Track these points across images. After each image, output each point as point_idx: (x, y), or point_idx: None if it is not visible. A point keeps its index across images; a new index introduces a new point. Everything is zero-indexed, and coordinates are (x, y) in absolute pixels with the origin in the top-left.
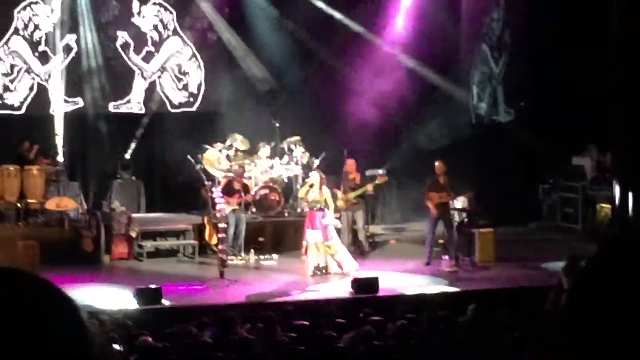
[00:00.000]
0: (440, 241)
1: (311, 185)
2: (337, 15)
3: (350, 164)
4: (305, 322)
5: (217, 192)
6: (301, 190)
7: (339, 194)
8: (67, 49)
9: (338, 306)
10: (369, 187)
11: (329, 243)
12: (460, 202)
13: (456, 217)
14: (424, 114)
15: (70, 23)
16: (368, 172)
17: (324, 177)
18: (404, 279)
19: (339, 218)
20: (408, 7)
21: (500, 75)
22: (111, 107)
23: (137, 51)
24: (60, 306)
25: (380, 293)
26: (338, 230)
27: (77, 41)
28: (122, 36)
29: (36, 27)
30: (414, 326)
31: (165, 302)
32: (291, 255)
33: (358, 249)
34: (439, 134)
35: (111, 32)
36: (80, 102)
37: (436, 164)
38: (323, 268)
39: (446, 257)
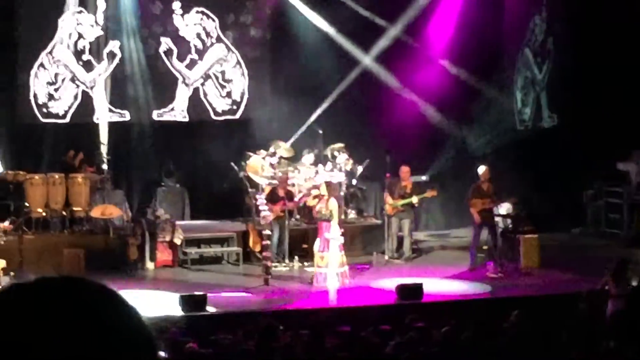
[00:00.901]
0: (485, 247)
1: (321, 196)
2: (380, 21)
3: (405, 170)
4: (349, 329)
5: (260, 200)
6: (310, 199)
7: (388, 199)
8: (111, 55)
9: (382, 312)
10: (414, 200)
11: (323, 254)
12: (504, 208)
13: (500, 223)
14: (468, 119)
15: (114, 30)
16: (412, 179)
17: (333, 189)
18: (448, 285)
19: (384, 224)
20: (451, 12)
21: (544, 81)
22: (155, 115)
23: (181, 58)
24: (126, 314)
25: (425, 299)
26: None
27: (121, 47)
28: (166, 42)
29: (80, 36)
30: (459, 332)
31: (210, 309)
32: None
33: (402, 256)
34: (483, 139)
35: (154, 39)
36: (126, 116)
37: (481, 169)
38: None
39: (490, 263)
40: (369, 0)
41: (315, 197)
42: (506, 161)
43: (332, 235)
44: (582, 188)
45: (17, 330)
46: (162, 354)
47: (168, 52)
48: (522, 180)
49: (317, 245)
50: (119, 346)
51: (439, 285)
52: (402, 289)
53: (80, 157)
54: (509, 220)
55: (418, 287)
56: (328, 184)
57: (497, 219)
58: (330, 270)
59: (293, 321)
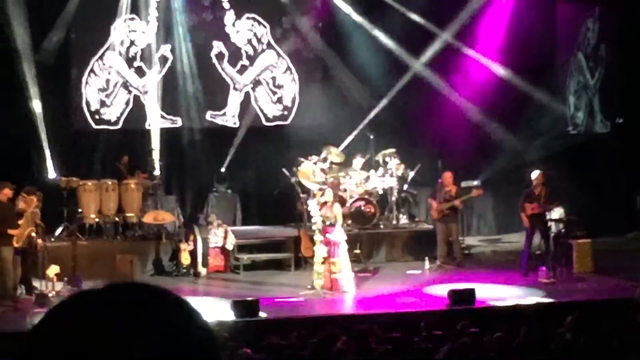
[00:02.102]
0: (537, 252)
1: (325, 203)
2: (431, 26)
3: (447, 176)
4: (402, 334)
5: (312, 205)
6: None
7: (433, 204)
8: (163, 60)
9: (434, 318)
10: (456, 202)
11: (334, 260)
12: (557, 213)
13: (553, 228)
14: (520, 123)
15: (166, 35)
16: (463, 184)
17: (338, 194)
18: (500, 290)
19: (434, 229)
20: (502, 16)
21: (596, 86)
22: (207, 121)
23: (232, 63)
24: (192, 319)
25: (477, 305)
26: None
27: (172, 51)
28: (218, 46)
29: (132, 42)
30: (512, 338)
31: (262, 314)
32: (386, 266)
33: (453, 261)
34: (535, 143)
35: (206, 43)
36: (178, 122)
37: (534, 174)
38: (310, 285)
39: (543, 268)
40: (420, 6)
41: (323, 204)
42: (559, 166)
43: (340, 239)
44: (636, 192)
45: (88, 336)
46: None
47: (219, 56)
48: (575, 185)
49: (322, 251)
50: (185, 350)
51: (491, 291)
52: (454, 294)
53: (126, 161)
54: (561, 225)
55: (470, 293)
56: (333, 187)
57: (549, 223)
58: (345, 275)
59: (346, 327)
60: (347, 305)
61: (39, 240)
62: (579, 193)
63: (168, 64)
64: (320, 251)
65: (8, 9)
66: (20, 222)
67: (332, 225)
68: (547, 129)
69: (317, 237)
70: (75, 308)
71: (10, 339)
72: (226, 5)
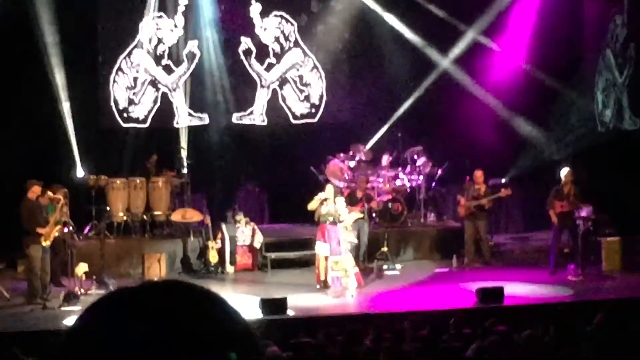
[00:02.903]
0: (565, 250)
1: (325, 199)
2: (458, 23)
3: (478, 174)
4: (430, 332)
5: (340, 202)
6: (312, 202)
7: (461, 201)
8: (191, 56)
9: (463, 316)
10: (484, 201)
11: (338, 259)
12: (585, 211)
13: (581, 226)
14: (548, 121)
15: (193, 31)
16: (491, 182)
17: (338, 191)
18: (529, 288)
19: (462, 227)
20: (529, 13)
21: (625, 83)
22: (234, 119)
23: (259, 60)
24: (229, 315)
25: (506, 303)
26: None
27: (200, 47)
28: (245, 42)
29: (160, 40)
30: (541, 336)
31: (290, 312)
32: (414, 264)
33: (481, 259)
34: (564, 141)
35: (234, 38)
36: (205, 119)
37: (563, 172)
38: (323, 282)
39: (571, 266)
40: (447, 3)
41: (323, 200)
42: (587, 163)
43: (343, 237)
44: None
45: (126, 334)
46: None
47: (247, 52)
48: (604, 183)
49: (320, 249)
50: (224, 345)
51: (519, 289)
52: (483, 292)
53: (154, 161)
54: (590, 223)
55: (499, 291)
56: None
57: (578, 221)
58: (350, 273)
59: (374, 325)
60: (375, 304)
61: (68, 239)
62: (608, 191)
63: (196, 60)
64: (320, 250)
65: (37, 8)
66: (49, 220)
67: (334, 223)
68: (575, 126)
69: (345, 235)
70: (113, 306)
71: (40, 337)
72: (254, 2)
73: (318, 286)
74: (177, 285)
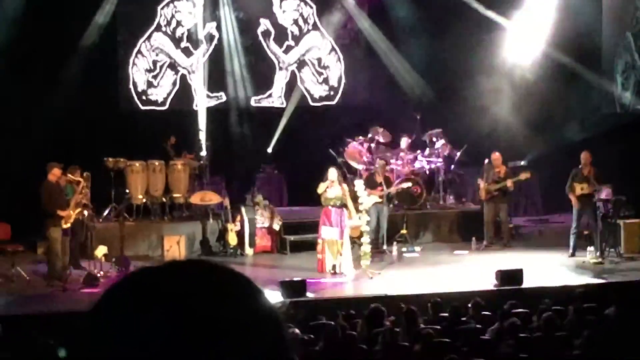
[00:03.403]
0: (585, 232)
1: (332, 182)
2: (477, 5)
3: (495, 157)
4: (450, 314)
5: (359, 185)
6: (321, 186)
7: (482, 184)
8: (209, 37)
9: (483, 298)
10: (509, 183)
11: (342, 242)
12: (604, 193)
13: (601, 208)
14: (567, 104)
15: (212, 13)
16: (510, 164)
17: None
18: (548, 270)
19: (481, 210)
20: None
21: None
22: (253, 101)
23: (278, 43)
24: (253, 294)
25: (525, 285)
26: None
27: (219, 29)
28: (265, 24)
29: (178, 23)
30: (560, 318)
31: (309, 294)
32: (434, 247)
33: (500, 242)
34: (583, 124)
35: (253, 20)
36: (222, 97)
37: (582, 154)
38: (336, 266)
39: (591, 248)
40: None
41: (331, 182)
42: (606, 145)
43: (354, 222)
44: None
45: (149, 315)
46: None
47: (265, 34)
48: (623, 165)
49: (328, 234)
50: (248, 323)
51: (539, 271)
52: (502, 275)
53: (172, 143)
54: (609, 205)
55: (518, 273)
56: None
57: (598, 203)
58: (346, 258)
59: (393, 306)
60: (395, 286)
61: (88, 221)
62: (627, 173)
63: (214, 42)
64: (328, 234)
65: None
66: (69, 202)
67: (342, 206)
68: (594, 108)
69: (364, 218)
70: (135, 287)
71: (60, 319)
72: None
73: (332, 271)
74: (200, 265)
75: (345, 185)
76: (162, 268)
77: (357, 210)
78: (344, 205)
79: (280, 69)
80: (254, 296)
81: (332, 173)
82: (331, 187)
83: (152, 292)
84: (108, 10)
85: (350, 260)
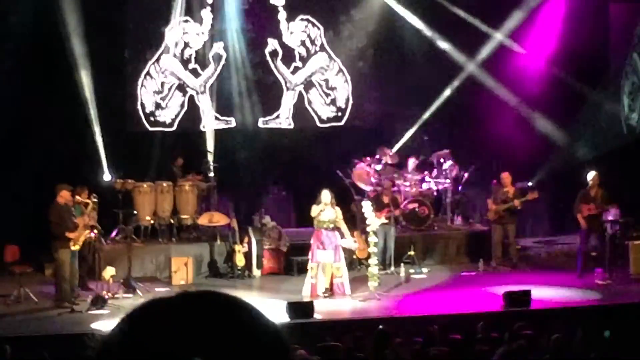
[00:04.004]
0: (593, 253)
1: (325, 204)
2: (485, 27)
3: (504, 176)
4: (458, 336)
5: (366, 207)
6: (314, 209)
7: (491, 205)
8: (217, 57)
9: (490, 320)
10: (516, 202)
11: (339, 265)
12: (612, 213)
13: (609, 229)
14: (574, 124)
15: (219, 33)
16: (517, 185)
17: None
18: (556, 292)
19: (489, 230)
20: (555, 17)
21: None
22: (261, 122)
23: (285, 64)
24: (263, 324)
25: (533, 306)
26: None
27: (226, 49)
28: (272, 44)
29: (186, 45)
30: (568, 340)
31: (317, 316)
32: (441, 268)
33: (509, 262)
34: (590, 145)
35: (261, 41)
36: (232, 122)
37: (590, 175)
38: (328, 289)
39: (599, 269)
40: (474, 7)
41: (325, 205)
42: (614, 166)
43: (347, 244)
44: None
45: (162, 344)
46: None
47: (273, 53)
48: (631, 186)
49: (322, 257)
50: (258, 354)
51: (546, 292)
52: (510, 296)
53: (180, 164)
54: (617, 226)
55: (526, 294)
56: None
57: (605, 224)
58: (346, 278)
59: (401, 328)
60: (403, 307)
61: (96, 243)
62: (635, 194)
63: (222, 62)
64: (322, 258)
65: (65, 13)
66: (77, 224)
67: (334, 229)
68: (601, 130)
69: (371, 239)
70: (148, 317)
71: (68, 340)
72: (280, 6)
73: (325, 294)
74: (210, 295)
75: (338, 208)
76: (173, 299)
77: (364, 232)
78: (337, 228)
79: (288, 89)
80: (262, 326)
81: (326, 195)
82: (325, 209)
83: (162, 323)
84: (118, 31)
85: (348, 280)
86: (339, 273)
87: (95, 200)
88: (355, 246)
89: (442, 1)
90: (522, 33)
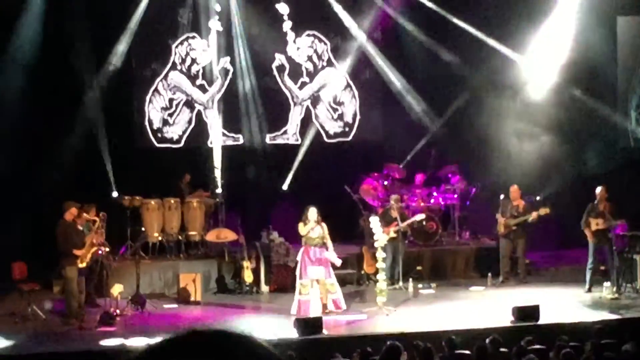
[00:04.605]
0: (601, 268)
1: (315, 222)
2: (492, 41)
3: (513, 190)
4: (467, 352)
5: (374, 222)
6: (303, 228)
7: (500, 219)
8: (224, 72)
9: (499, 335)
10: (534, 215)
11: (332, 281)
12: (620, 228)
13: (617, 243)
14: (582, 138)
15: (226, 48)
16: (525, 198)
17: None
18: (564, 306)
19: (497, 245)
20: (563, 30)
21: None
22: (268, 138)
23: (292, 79)
24: None
25: (542, 321)
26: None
27: (233, 63)
28: (279, 58)
29: (193, 61)
30: (577, 355)
31: (326, 332)
32: (449, 283)
33: (517, 277)
34: (597, 159)
35: (268, 56)
36: (240, 139)
37: (597, 189)
38: (324, 306)
39: (607, 284)
40: (480, 21)
41: (315, 222)
42: (622, 181)
43: (331, 256)
44: None
45: None
46: None
47: (280, 68)
48: (638, 200)
49: (314, 273)
50: None
51: (555, 307)
52: (519, 311)
53: (187, 181)
54: (625, 241)
55: (535, 309)
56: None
57: (613, 239)
58: (340, 294)
59: (410, 344)
60: (411, 323)
61: (103, 260)
62: None
63: (229, 77)
64: (314, 274)
65: (72, 29)
66: (85, 242)
67: (322, 245)
68: (609, 144)
69: (379, 254)
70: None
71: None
72: (287, 22)
73: (326, 310)
74: (222, 334)
75: (324, 224)
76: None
77: (372, 246)
78: (324, 244)
79: (295, 104)
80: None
81: (313, 213)
82: (314, 227)
83: None
84: (122, 50)
85: (342, 295)
86: (334, 289)
87: (103, 217)
88: (339, 262)
89: (447, 14)
90: (529, 46)
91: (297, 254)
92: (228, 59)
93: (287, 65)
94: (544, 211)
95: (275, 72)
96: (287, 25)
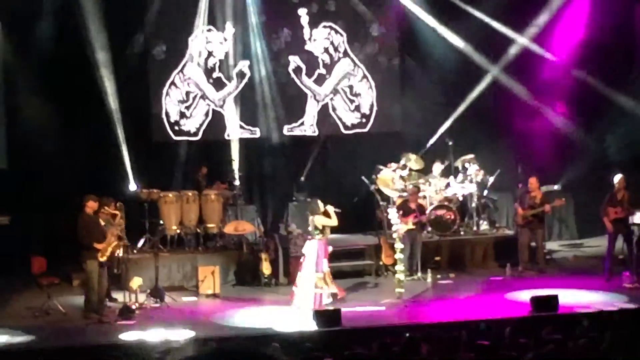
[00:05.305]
0: (620, 257)
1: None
2: (508, 31)
3: (532, 181)
4: (486, 342)
5: (392, 213)
6: (322, 219)
7: (519, 210)
8: (241, 75)
9: (517, 325)
10: (547, 208)
11: (321, 275)
12: (638, 216)
13: (636, 232)
14: (600, 127)
15: (243, 50)
16: (543, 188)
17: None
18: (583, 296)
19: (516, 235)
20: (580, 19)
21: None
22: (285, 130)
23: (309, 74)
24: None
25: (560, 311)
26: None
27: (250, 67)
28: (294, 61)
29: (210, 54)
30: (596, 345)
31: (344, 323)
32: (468, 274)
33: (535, 267)
34: (616, 147)
35: (283, 57)
36: (257, 133)
37: (616, 178)
38: (334, 294)
39: (626, 273)
40: (497, 11)
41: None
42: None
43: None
44: None
45: None
46: None
47: (297, 70)
48: None
49: (326, 266)
50: None
51: (574, 297)
52: (537, 301)
53: (204, 173)
54: None
55: (553, 299)
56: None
57: (632, 227)
58: (332, 288)
59: (428, 335)
60: (430, 313)
61: (123, 253)
62: None
63: (245, 80)
64: (326, 265)
65: (89, 23)
66: (105, 235)
67: (322, 238)
68: (627, 132)
69: (398, 245)
70: None
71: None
72: (303, 15)
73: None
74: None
75: (321, 217)
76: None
77: (390, 237)
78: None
79: (318, 102)
80: None
81: (322, 205)
82: (312, 219)
83: None
84: (139, 43)
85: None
86: (320, 283)
87: (120, 207)
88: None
89: (465, 6)
90: (547, 35)
91: (309, 247)
92: (247, 63)
93: (303, 66)
94: (559, 202)
95: (293, 75)
96: (303, 17)
